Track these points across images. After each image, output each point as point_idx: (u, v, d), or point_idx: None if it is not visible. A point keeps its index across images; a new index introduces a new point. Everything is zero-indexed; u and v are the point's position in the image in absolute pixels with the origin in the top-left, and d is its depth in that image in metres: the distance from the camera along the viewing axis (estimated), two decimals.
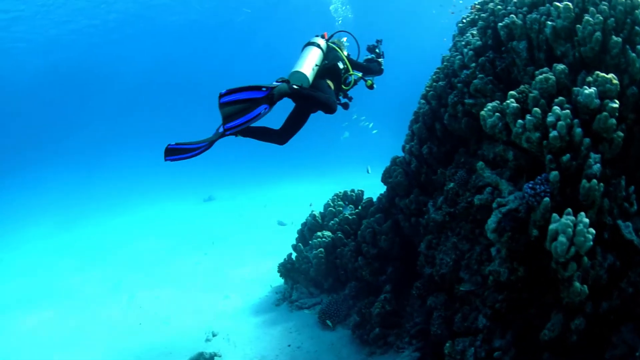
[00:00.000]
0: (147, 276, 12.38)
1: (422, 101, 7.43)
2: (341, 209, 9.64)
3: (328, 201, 10.23)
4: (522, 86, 4.78)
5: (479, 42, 6.25)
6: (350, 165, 27.41)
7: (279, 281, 10.11)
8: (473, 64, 6.10)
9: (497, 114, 4.76)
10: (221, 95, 5.18)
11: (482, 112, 4.85)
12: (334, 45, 6.79)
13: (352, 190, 10.25)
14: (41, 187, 30.82)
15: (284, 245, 11.37)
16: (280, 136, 6.17)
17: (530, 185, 4.27)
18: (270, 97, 5.41)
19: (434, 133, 7.24)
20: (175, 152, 5.47)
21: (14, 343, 9.09)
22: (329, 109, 6.15)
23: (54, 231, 18.99)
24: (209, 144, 5.52)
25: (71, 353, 8.46)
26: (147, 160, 37.86)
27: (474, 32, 6.65)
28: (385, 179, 7.97)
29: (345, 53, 6.93)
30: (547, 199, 4.12)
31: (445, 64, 7.28)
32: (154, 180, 28.74)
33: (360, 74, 7.00)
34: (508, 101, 4.59)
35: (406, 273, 7.74)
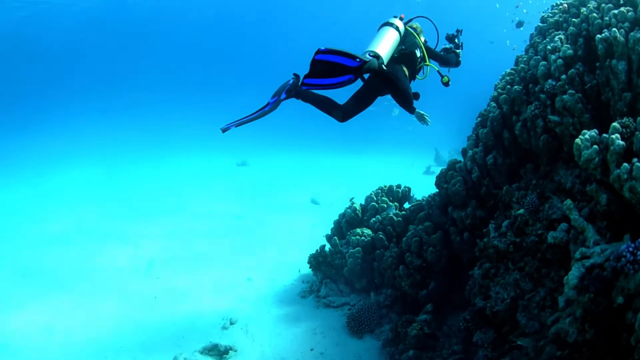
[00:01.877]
0: (169, 243, 11.93)
1: (493, 104, 6.63)
2: (385, 205, 8.93)
3: (371, 194, 9.49)
4: (625, 119, 4.02)
5: (570, 51, 5.44)
6: (397, 147, 26.76)
7: (307, 268, 9.42)
8: (564, 76, 5.30)
9: (595, 146, 4.00)
10: (319, 52, 4.94)
11: (578, 141, 4.08)
12: (411, 30, 6.24)
13: (398, 186, 9.49)
14: (91, 126, 30.95)
15: (316, 228, 11.18)
16: (342, 113, 5.69)
17: (630, 249, 3.53)
18: (360, 69, 5.03)
19: (501, 142, 6.53)
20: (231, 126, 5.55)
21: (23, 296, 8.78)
22: (406, 101, 5.83)
23: (92, 172, 19.13)
24: (269, 111, 5.51)
25: (79, 319, 8.02)
26: (188, 114, 37.95)
27: (562, 37, 5.85)
28: (439, 183, 7.27)
29: (423, 40, 6.39)
30: None
31: (522, 66, 6.47)
32: (191, 135, 28.49)
33: (436, 65, 6.42)
34: (613, 136, 3.81)
35: (449, 288, 7.16)
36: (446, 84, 6.29)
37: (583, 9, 5.69)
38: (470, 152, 6.87)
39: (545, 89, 5.54)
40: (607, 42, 4.85)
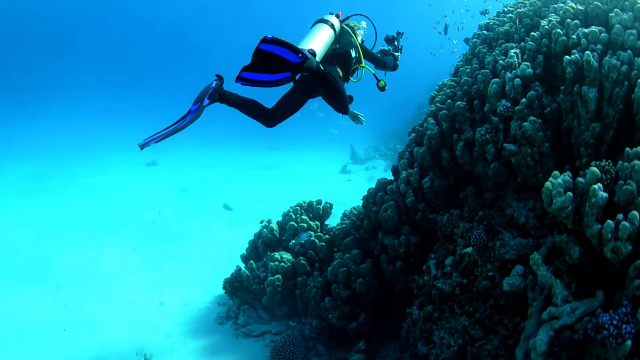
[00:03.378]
0: (76, 258, 10.83)
1: (431, 120, 6.08)
2: (305, 225, 8.24)
3: (289, 212, 8.72)
4: (604, 162, 3.51)
5: (530, 70, 4.93)
6: (312, 143, 26.38)
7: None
8: (524, 100, 4.77)
9: (569, 193, 3.45)
10: (265, 40, 4.23)
11: (548, 185, 3.54)
12: (348, 29, 5.69)
13: (319, 202, 8.77)
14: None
15: (229, 234, 11.30)
16: (270, 117, 5.04)
17: (615, 321, 3.07)
18: (300, 66, 4.41)
19: (438, 161, 6.04)
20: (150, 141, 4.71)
21: None
22: (340, 104, 5.36)
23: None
24: (191, 120, 4.73)
25: None
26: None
27: (517, 51, 5.32)
28: (368, 204, 6.71)
29: (360, 40, 5.87)
30: (629, 342, 3.03)
31: (465, 78, 5.95)
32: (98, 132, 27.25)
33: (372, 68, 5.90)
34: (595, 186, 3.28)
35: (379, 317, 6.70)
36: (382, 89, 5.81)
37: (543, 22, 5.24)
38: (404, 174, 6.29)
39: (498, 110, 5.02)
40: (577, 66, 4.38)
